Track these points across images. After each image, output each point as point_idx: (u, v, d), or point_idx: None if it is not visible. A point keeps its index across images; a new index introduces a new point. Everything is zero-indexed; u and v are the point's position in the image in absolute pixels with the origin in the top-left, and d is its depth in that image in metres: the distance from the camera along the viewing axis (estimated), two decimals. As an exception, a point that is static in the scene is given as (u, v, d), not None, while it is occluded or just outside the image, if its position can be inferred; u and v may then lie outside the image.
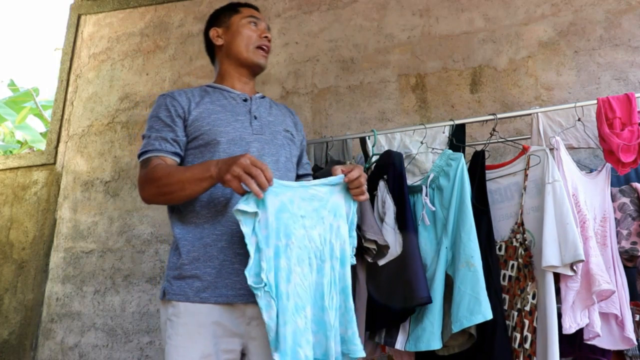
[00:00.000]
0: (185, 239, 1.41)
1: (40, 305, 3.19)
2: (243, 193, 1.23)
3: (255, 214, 1.24)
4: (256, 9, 1.70)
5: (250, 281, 1.22)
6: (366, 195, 1.39)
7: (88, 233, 3.25)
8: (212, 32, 1.66)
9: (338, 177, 1.35)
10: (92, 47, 3.72)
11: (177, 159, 1.47)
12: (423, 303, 1.65)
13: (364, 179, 1.37)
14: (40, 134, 6.84)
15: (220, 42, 1.64)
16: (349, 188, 1.36)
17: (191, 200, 1.42)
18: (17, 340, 3.17)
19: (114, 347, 2.97)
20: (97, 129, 3.49)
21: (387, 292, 1.71)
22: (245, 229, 1.23)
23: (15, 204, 3.48)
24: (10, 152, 6.78)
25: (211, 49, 1.69)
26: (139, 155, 1.48)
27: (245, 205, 1.22)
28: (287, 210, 1.28)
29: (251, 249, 1.23)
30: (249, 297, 1.33)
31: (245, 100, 1.57)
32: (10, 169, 3.59)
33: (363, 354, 1.32)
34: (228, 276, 1.36)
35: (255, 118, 1.53)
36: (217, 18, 1.68)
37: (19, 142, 7.40)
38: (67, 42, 3.82)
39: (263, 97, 1.65)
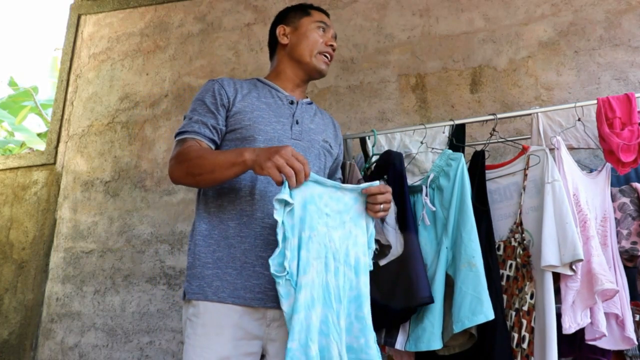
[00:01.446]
0: (211, 236, 1.39)
1: (40, 305, 3.19)
2: (280, 182, 1.23)
3: (289, 204, 1.24)
4: (327, 14, 1.67)
5: (272, 269, 1.22)
6: (382, 214, 1.37)
7: (88, 233, 3.25)
8: (279, 30, 1.64)
9: (368, 184, 1.36)
10: (92, 47, 3.72)
11: (213, 146, 1.45)
12: (425, 303, 1.64)
13: (382, 198, 1.35)
14: (38, 135, 6.82)
15: (285, 41, 1.62)
16: (368, 202, 1.36)
17: (219, 194, 1.41)
18: (17, 340, 3.17)
19: (114, 347, 2.97)
20: (97, 129, 3.49)
21: (387, 292, 1.70)
22: (278, 217, 1.23)
23: (15, 204, 3.48)
24: (10, 151, 6.76)
25: (273, 44, 1.68)
26: (176, 135, 1.47)
27: (287, 195, 1.22)
28: (314, 203, 1.28)
29: (279, 237, 1.23)
30: (266, 301, 1.33)
31: (291, 102, 1.55)
32: (10, 169, 3.58)
33: None
34: (248, 278, 1.35)
35: (297, 123, 1.51)
36: (286, 16, 1.67)
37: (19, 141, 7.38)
38: (67, 42, 3.82)
39: (310, 103, 1.63)
